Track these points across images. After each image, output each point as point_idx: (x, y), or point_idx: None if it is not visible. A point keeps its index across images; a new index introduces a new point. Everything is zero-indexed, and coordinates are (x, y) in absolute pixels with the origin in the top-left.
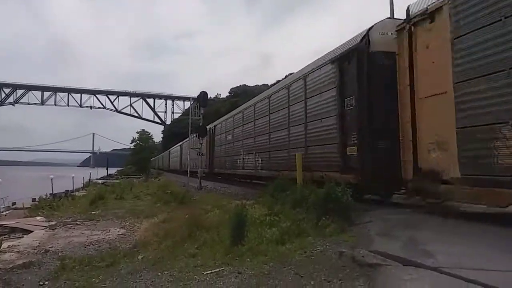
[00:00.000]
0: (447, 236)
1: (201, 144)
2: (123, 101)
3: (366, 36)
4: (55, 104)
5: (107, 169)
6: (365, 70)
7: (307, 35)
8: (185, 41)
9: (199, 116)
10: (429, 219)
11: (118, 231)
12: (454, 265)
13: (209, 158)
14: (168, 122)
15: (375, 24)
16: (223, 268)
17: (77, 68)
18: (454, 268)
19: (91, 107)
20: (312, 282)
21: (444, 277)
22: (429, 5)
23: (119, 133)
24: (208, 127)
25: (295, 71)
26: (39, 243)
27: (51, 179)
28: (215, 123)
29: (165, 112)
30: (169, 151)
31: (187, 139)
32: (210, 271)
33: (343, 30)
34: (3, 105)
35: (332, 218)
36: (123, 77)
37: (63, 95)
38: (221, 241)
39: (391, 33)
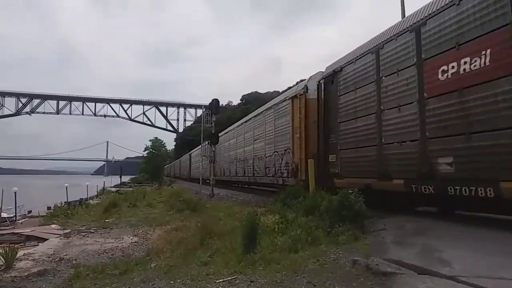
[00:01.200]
0: (463, 243)
1: (213, 151)
2: (136, 110)
3: None
4: (70, 113)
5: (120, 177)
6: None
7: (316, 42)
8: (196, 49)
9: (211, 123)
10: (444, 226)
11: (131, 239)
12: (471, 273)
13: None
14: (181, 130)
15: None
16: (235, 276)
17: (91, 77)
18: (471, 277)
19: (105, 116)
20: None
21: (460, 286)
22: None
23: (132, 141)
24: (323, 76)
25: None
26: (54, 251)
27: (66, 188)
28: (342, 61)
29: (178, 120)
30: (190, 155)
31: (230, 130)
32: (222, 280)
33: (353, 37)
34: (20, 115)
35: (345, 225)
36: (136, 85)
37: (78, 104)
38: (233, 249)
39: None
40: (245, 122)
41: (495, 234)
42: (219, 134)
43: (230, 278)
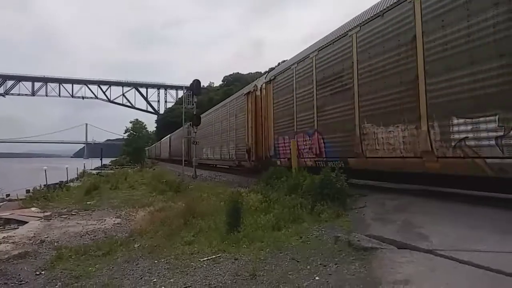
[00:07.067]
0: (441, 219)
1: (195, 132)
2: (116, 91)
3: None
4: (46, 95)
5: (101, 159)
6: None
7: (297, 22)
8: (176, 30)
9: (193, 104)
10: (423, 203)
11: (114, 221)
12: (449, 247)
13: None
14: (162, 111)
15: None
16: (219, 254)
17: (67, 58)
18: (448, 250)
19: (83, 97)
20: (308, 267)
21: (438, 259)
22: None
23: (112, 123)
24: None
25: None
26: (35, 234)
27: (45, 171)
28: None
29: (158, 101)
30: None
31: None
32: (206, 258)
33: (335, 16)
34: None
35: (327, 203)
36: (115, 66)
37: (54, 85)
38: (217, 228)
39: None
40: None
41: (472, 209)
42: None
43: (214, 256)
